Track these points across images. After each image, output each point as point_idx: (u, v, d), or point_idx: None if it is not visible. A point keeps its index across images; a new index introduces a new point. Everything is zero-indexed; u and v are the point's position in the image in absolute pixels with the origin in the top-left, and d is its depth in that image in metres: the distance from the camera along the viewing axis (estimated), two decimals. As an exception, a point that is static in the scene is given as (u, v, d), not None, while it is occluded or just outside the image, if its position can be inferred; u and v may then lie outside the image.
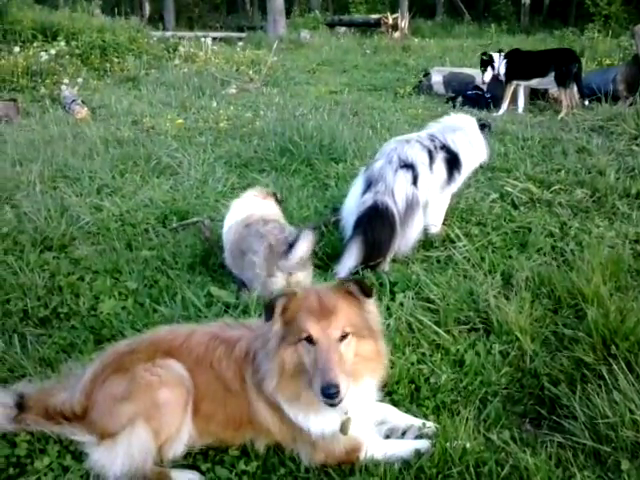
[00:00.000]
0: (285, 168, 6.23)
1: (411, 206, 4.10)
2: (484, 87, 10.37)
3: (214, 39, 18.18)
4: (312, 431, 2.31)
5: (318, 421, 2.30)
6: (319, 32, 21.99)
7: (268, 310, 2.23)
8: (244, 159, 6.54)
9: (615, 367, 2.84)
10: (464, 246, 4.23)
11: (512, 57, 9.74)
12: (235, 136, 7.51)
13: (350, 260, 3.88)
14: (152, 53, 14.28)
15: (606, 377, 2.79)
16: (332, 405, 2.11)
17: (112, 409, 2.35)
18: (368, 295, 2.26)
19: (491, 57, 9.81)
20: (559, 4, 31.12)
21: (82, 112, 8.67)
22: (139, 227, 4.74)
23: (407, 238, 4.12)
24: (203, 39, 15.76)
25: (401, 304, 3.46)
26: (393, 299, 3.56)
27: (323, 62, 15.79)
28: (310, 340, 2.15)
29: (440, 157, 4.34)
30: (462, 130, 4.53)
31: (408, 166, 4.16)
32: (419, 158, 4.23)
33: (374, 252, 3.94)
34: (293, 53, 17.35)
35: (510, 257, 4.20)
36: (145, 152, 6.64)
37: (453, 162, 4.40)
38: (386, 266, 4.02)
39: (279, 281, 3.53)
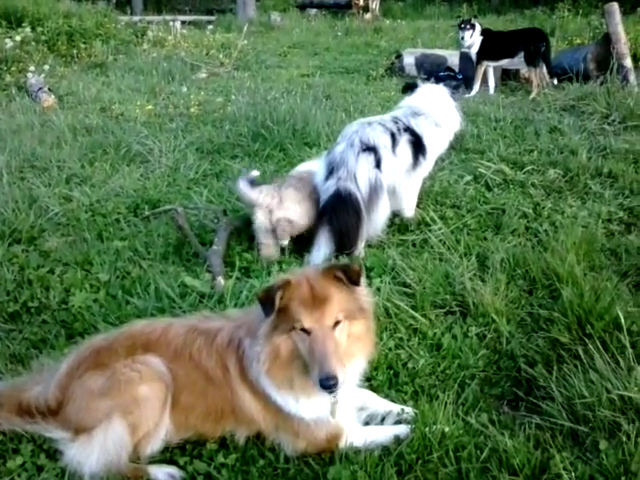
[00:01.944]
0: (258, 153, 6.15)
1: (375, 190, 4.00)
2: (457, 62, 10.41)
3: (183, 23, 17.92)
4: (303, 416, 2.30)
5: (309, 406, 2.30)
6: (290, 14, 21.73)
7: (267, 305, 2.18)
8: (216, 145, 6.45)
9: (590, 347, 2.85)
10: (439, 229, 4.22)
11: (483, 37, 9.73)
12: (206, 121, 7.41)
13: (320, 251, 3.86)
14: (120, 38, 13.97)
15: (582, 357, 2.81)
16: (331, 393, 2.15)
17: (89, 404, 2.31)
18: (356, 284, 2.24)
19: (475, 24, 9.77)
20: (529, -17, 31.15)
21: (49, 100, 8.46)
22: (110, 217, 4.65)
23: (374, 223, 4.05)
24: (172, 23, 15.50)
25: (378, 289, 3.43)
26: (370, 284, 3.53)
27: (294, 45, 15.64)
28: (305, 330, 2.14)
29: (404, 139, 4.23)
30: (426, 114, 4.40)
31: (370, 149, 4.05)
32: (381, 141, 4.11)
33: (344, 240, 3.90)
34: (264, 36, 17.14)
35: (485, 239, 4.21)
36: (114, 140, 6.51)
37: (418, 145, 4.29)
38: (361, 251, 4.00)
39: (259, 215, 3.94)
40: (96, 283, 3.67)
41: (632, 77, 9.33)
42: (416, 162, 4.32)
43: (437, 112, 4.46)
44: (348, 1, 22.45)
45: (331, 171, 4.03)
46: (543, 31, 10.26)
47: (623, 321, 2.98)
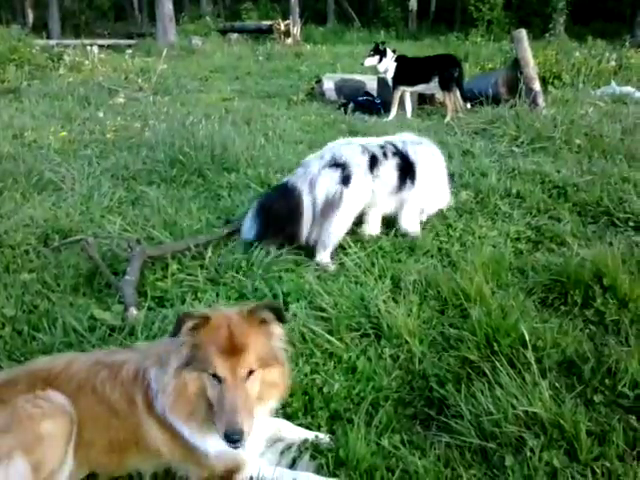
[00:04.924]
0: (175, 179, 6.07)
1: (331, 203, 4.20)
2: (372, 92, 10.67)
3: (101, 47, 17.61)
4: (208, 450, 2.25)
5: (215, 440, 2.22)
6: (211, 38, 21.77)
7: (176, 326, 2.12)
8: (132, 171, 6.32)
9: (497, 364, 2.95)
10: (355, 253, 4.28)
11: (398, 64, 10.01)
12: (122, 147, 7.26)
13: (247, 224, 4.31)
14: (35, 63, 13.63)
15: (489, 374, 2.90)
16: (235, 448, 2.07)
17: None
18: (283, 321, 2.22)
19: (386, 50, 10.04)
20: (445, 10, 32.44)
21: (-44, 126, 8.12)
22: (18, 248, 4.46)
23: (325, 230, 4.26)
24: (89, 47, 15.21)
25: (294, 315, 3.44)
26: (287, 310, 3.53)
27: (215, 69, 15.64)
28: (216, 376, 2.09)
29: (391, 163, 4.46)
30: (425, 143, 4.81)
31: (339, 165, 4.24)
32: (355, 160, 4.29)
33: (271, 222, 4.23)
34: (184, 60, 17.07)
35: (399, 261, 4.29)
36: (26, 168, 6.28)
37: (407, 170, 4.55)
38: (325, 257, 4.27)
39: None
40: (1, 319, 3.50)
41: (540, 100, 9.80)
42: (402, 185, 4.56)
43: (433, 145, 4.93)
44: (269, 26, 22.71)
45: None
46: (456, 57, 10.67)
47: (528, 338, 3.11)
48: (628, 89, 11.53)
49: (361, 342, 3.30)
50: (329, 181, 4.20)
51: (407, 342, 3.24)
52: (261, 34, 23.18)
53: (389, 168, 4.46)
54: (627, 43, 15.18)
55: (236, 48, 19.85)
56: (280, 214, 4.23)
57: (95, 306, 3.56)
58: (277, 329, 2.26)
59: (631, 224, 4.97)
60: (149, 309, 3.55)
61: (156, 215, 4.99)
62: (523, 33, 10.40)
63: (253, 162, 6.47)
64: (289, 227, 4.24)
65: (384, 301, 3.58)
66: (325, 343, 3.23)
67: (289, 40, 21.31)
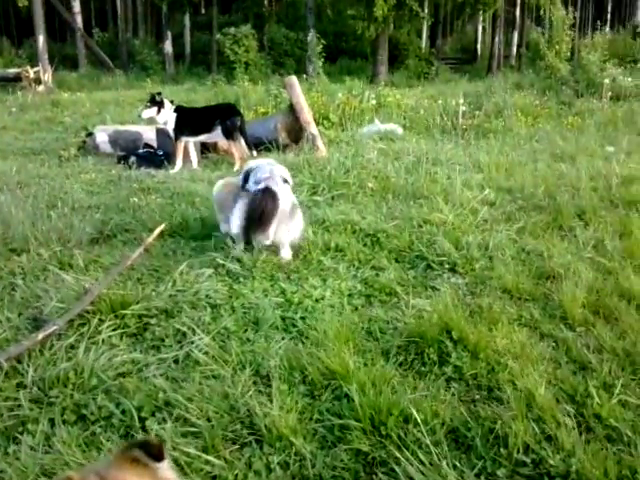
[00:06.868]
0: (-52, 274, 5.06)
1: (295, 207, 5.51)
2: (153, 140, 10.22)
3: None
4: None
5: None
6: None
7: None
8: None
9: (392, 448, 2.81)
10: (200, 339, 3.87)
11: (177, 114, 9.66)
12: None
13: (237, 219, 5.22)
14: None
15: (392, 465, 2.74)
16: None
17: None
18: (158, 458, 1.78)
19: (163, 101, 9.63)
20: (200, 52, 32.70)
21: None
22: None
23: (293, 228, 5.44)
24: None
25: (157, 436, 2.95)
26: (144, 428, 3.03)
27: (-41, 125, 13.84)
28: None
29: None
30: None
31: (285, 180, 5.50)
32: (288, 175, 5.64)
33: (261, 218, 5.13)
34: None
35: (248, 340, 3.95)
36: None
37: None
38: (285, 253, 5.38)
39: None
40: None
41: (320, 142, 10.18)
42: None
43: None
44: (17, 74, 20.84)
45: (258, 182, 5.28)
46: (235, 106, 10.67)
47: (412, 411, 3.02)
48: (392, 126, 12.44)
49: (243, 454, 2.89)
50: (288, 192, 5.45)
51: (292, 444, 2.94)
52: (8, 82, 21.13)
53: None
54: (382, 82, 16.51)
55: (-20, 99, 17.82)
56: (268, 212, 5.16)
57: None
58: (162, 469, 1.83)
59: (446, 266, 5.16)
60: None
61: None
62: (294, 79, 10.78)
63: (45, 238, 5.66)
64: (273, 222, 5.18)
65: (251, 396, 3.24)
66: (204, 465, 2.79)
67: (41, 88, 19.75)
